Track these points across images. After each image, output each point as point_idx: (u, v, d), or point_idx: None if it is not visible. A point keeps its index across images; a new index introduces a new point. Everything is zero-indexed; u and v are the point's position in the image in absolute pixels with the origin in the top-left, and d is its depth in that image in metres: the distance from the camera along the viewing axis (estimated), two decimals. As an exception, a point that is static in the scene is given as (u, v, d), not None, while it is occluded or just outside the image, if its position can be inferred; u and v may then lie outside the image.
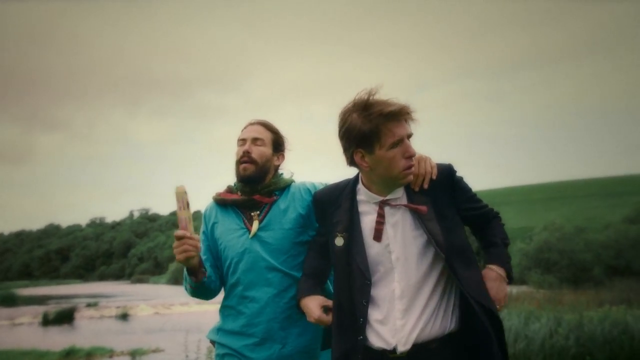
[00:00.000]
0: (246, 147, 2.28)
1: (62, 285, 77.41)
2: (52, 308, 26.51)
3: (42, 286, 72.63)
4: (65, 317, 24.16)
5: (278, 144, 2.35)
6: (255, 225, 2.23)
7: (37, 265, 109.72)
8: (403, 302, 1.79)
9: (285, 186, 2.32)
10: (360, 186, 1.92)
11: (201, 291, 2.25)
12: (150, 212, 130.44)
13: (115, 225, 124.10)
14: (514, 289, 21.48)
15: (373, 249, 1.84)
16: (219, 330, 2.33)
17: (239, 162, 2.28)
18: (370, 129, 1.78)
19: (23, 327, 22.73)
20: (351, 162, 1.88)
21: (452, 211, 1.89)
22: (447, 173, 1.91)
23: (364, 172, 1.88)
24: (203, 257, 2.26)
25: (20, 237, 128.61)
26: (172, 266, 71.95)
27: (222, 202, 2.34)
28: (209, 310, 21.95)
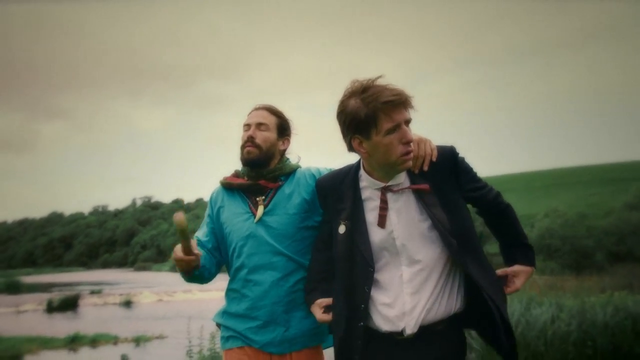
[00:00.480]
0: (250, 132, 2.28)
1: (66, 272, 77.79)
2: (56, 295, 26.71)
3: (45, 274, 73.02)
4: (69, 304, 24.35)
5: (283, 128, 2.35)
6: (260, 210, 2.24)
7: (41, 253, 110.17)
8: (411, 285, 1.80)
9: (291, 171, 2.32)
10: (362, 172, 1.90)
11: (193, 280, 2.29)
12: (153, 200, 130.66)
13: (118, 213, 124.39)
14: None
15: (377, 235, 1.83)
16: (224, 313, 2.34)
17: (243, 147, 2.29)
18: (366, 114, 1.75)
19: (27, 314, 22.91)
20: (350, 148, 1.87)
21: (456, 195, 1.87)
22: (449, 155, 1.89)
23: (364, 158, 1.87)
24: (205, 239, 2.32)
25: (24, 225, 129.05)
26: (175, 254, 72.14)
27: (228, 186, 2.35)
28: (212, 297, 22.07)
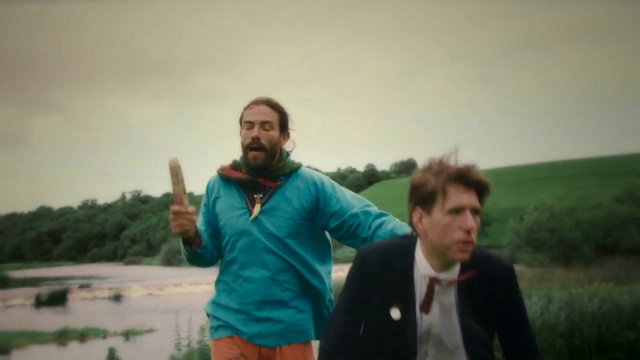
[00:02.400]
0: (255, 132, 2.19)
1: (54, 267, 77.38)
2: (44, 290, 26.56)
3: (34, 268, 72.65)
4: (58, 299, 24.23)
5: (284, 124, 2.28)
6: (257, 208, 2.21)
7: (29, 248, 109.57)
8: None
9: (291, 171, 2.27)
10: (418, 252, 1.74)
11: (196, 260, 2.25)
12: (143, 194, 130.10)
13: (107, 207, 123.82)
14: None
15: (421, 323, 1.72)
16: (214, 303, 2.33)
17: (247, 148, 2.20)
18: (433, 186, 1.63)
19: (16, 309, 22.77)
20: (410, 223, 1.73)
21: (492, 316, 1.74)
22: (506, 273, 1.74)
23: (421, 237, 1.71)
24: (202, 228, 2.25)
25: (12, 219, 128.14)
26: (165, 247, 72.07)
27: (226, 178, 2.29)
28: (202, 291, 22.05)
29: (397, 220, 2.20)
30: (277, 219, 2.20)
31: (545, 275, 14.25)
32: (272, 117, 2.22)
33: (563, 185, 53.33)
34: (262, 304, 2.20)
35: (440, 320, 1.70)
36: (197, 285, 26.79)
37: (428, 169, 1.67)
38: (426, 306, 1.68)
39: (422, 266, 1.71)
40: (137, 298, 25.78)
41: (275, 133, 2.22)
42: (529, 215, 31.14)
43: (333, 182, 2.33)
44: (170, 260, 66.78)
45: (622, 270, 13.38)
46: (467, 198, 1.62)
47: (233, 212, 2.24)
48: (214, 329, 2.30)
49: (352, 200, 2.26)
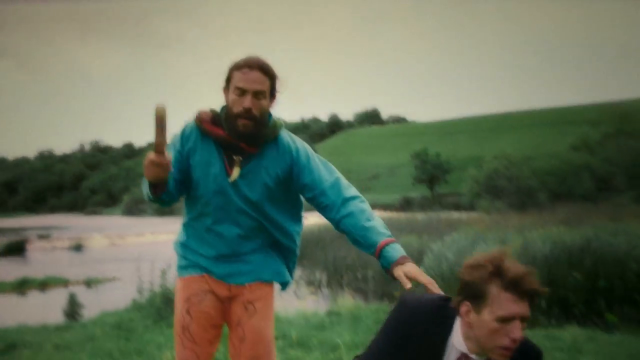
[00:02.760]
0: (248, 103, 2.12)
1: (11, 218, 75.75)
2: (1, 240, 26.02)
3: (-10, 219, 70.83)
4: (16, 249, 23.84)
5: (274, 89, 2.21)
6: (237, 172, 2.18)
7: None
8: None
9: (274, 137, 2.23)
10: (457, 327, 1.74)
11: (156, 201, 2.21)
12: (102, 144, 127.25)
13: (64, 158, 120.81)
14: (464, 215, 22.27)
15: None
16: (183, 245, 2.33)
17: (237, 116, 2.13)
18: (486, 289, 1.62)
19: (-28, 260, 22.29)
20: (457, 307, 1.72)
21: None
22: (535, 356, 1.76)
23: (465, 325, 1.71)
24: (170, 174, 2.20)
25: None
26: (127, 198, 71.29)
27: (204, 132, 2.22)
28: (164, 240, 21.99)
29: (367, 209, 2.20)
30: (254, 184, 2.20)
31: (501, 220, 14.68)
32: (265, 85, 2.15)
33: (521, 134, 54.46)
34: (234, 258, 2.25)
35: None
36: (160, 235, 26.71)
37: (483, 267, 1.64)
38: None
39: (457, 342, 1.72)
40: (99, 248, 25.59)
41: (266, 102, 2.17)
42: (488, 163, 31.85)
43: (310, 151, 2.31)
44: (132, 211, 66.23)
45: (574, 215, 13.86)
46: (519, 308, 1.61)
47: (210, 169, 2.21)
48: (183, 267, 2.31)
49: (325, 174, 2.26)
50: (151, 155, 1.96)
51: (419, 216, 21.02)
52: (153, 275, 6.76)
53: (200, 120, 2.21)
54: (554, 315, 6.71)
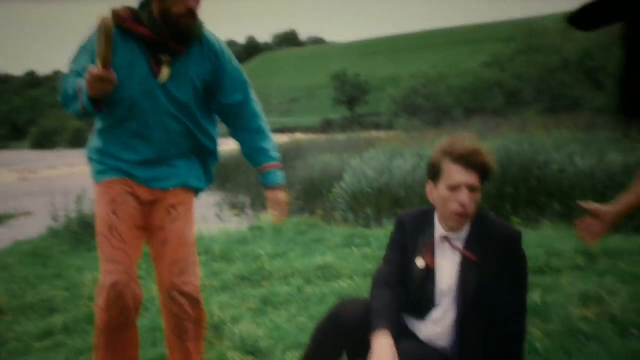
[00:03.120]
0: (192, 3, 2.07)
1: None
2: None
3: None
4: None
5: None
6: (166, 72, 2.11)
7: None
8: (436, 329, 1.92)
9: (200, 35, 2.17)
10: (436, 219, 1.99)
11: (90, 116, 2.15)
12: (2, 73, 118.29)
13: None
14: (382, 134, 22.77)
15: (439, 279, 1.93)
16: (100, 151, 2.25)
17: (179, 16, 2.05)
18: (440, 164, 1.89)
19: None
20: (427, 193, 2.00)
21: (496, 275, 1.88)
22: (511, 240, 1.90)
23: (433, 204, 1.98)
24: (76, 70, 2.14)
25: None
26: (35, 130, 67.33)
27: (125, 31, 2.09)
28: (78, 172, 21.17)
29: (265, 131, 2.38)
30: (182, 85, 2.16)
31: (419, 136, 15.12)
32: None
33: (437, 53, 55.39)
34: (158, 159, 2.23)
35: (445, 280, 1.91)
36: (73, 168, 25.66)
37: (442, 148, 1.91)
38: (429, 258, 1.93)
39: (437, 228, 1.96)
40: (8, 183, 24.29)
41: None
42: (405, 82, 32.38)
43: (232, 55, 2.33)
44: (42, 143, 62.80)
45: (487, 128, 14.52)
46: (466, 177, 1.86)
47: (134, 71, 2.11)
48: (101, 172, 2.24)
49: (239, 84, 2.31)
50: (95, 70, 1.91)
51: (340, 137, 21.27)
52: (68, 206, 6.53)
53: (119, 18, 2.07)
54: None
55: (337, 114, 50.73)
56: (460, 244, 1.92)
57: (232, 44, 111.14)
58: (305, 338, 2.77)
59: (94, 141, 2.29)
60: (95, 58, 2.01)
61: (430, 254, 1.93)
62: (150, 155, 2.21)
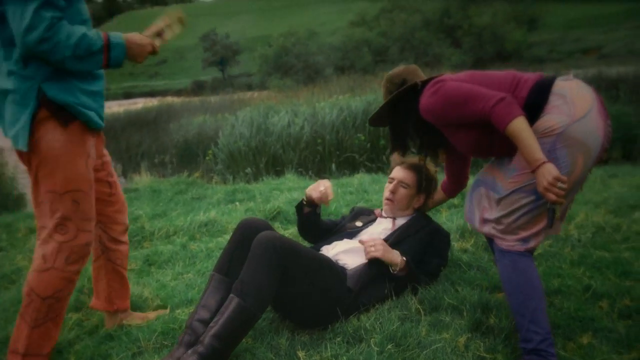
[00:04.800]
0: None
1: None
2: None
3: None
4: None
5: None
6: None
7: None
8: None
9: None
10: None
11: (97, 68, 2.06)
12: None
13: None
14: (255, 94, 22.56)
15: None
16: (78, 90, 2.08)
17: None
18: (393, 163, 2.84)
19: None
20: None
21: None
22: (434, 231, 2.64)
23: None
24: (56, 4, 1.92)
25: None
26: None
27: None
28: None
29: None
30: None
31: (292, 94, 15.17)
32: None
33: (307, 11, 55.49)
34: None
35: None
36: None
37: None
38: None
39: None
40: None
41: None
42: (276, 41, 32.14)
43: None
44: None
45: (357, 84, 14.88)
46: (398, 174, 2.73)
47: None
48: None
49: None
50: (157, 47, 2.17)
51: (212, 98, 20.77)
52: None
53: None
54: (345, 174, 7.34)
55: (208, 75, 49.36)
56: (402, 221, 2.66)
57: (88, 0, 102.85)
58: (195, 294, 2.73)
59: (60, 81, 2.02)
60: None
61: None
62: None
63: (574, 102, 1.88)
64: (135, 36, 2.08)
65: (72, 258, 2.07)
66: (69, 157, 2.03)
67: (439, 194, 2.72)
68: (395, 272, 2.34)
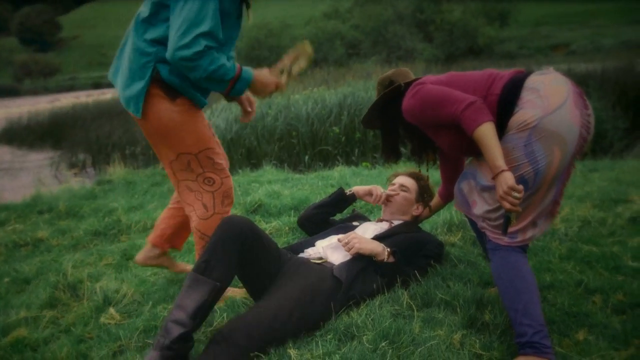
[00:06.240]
0: None
1: None
2: None
3: None
4: None
5: None
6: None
7: None
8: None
9: None
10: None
11: (218, 91, 2.37)
12: None
13: None
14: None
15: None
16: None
17: None
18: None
19: None
20: None
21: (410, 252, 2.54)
22: (428, 238, 2.66)
23: None
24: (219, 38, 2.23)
25: None
26: None
27: None
28: None
29: None
30: None
31: (265, 87, 15.01)
32: None
33: (280, 3, 55.05)
34: None
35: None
36: None
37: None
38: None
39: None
40: None
41: None
42: (248, 32, 31.79)
43: None
44: None
45: (330, 76, 14.84)
46: (399, 179, 2.87)
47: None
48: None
49: None
50: (283, 85, 2.45)
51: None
52: None
53: None
54: (319, 168, 7.27)
55: (179, 66, 48.62)
56: (387, 225, 2.71)
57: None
58: (177, 290, 2.63)
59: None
60: (218, 14, 2.15)
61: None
62: None
63: (548, 95, 1.92)
64: (263, 74, 2.36)
65: (226, 201, 2.48)
66: (191, 123, 2.35)
67: (435, 200, 2.75)
68: (382, 261, 2.33)
